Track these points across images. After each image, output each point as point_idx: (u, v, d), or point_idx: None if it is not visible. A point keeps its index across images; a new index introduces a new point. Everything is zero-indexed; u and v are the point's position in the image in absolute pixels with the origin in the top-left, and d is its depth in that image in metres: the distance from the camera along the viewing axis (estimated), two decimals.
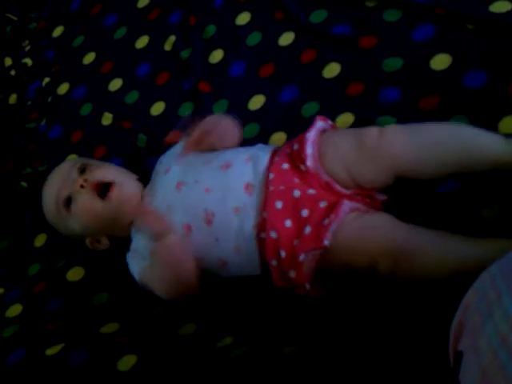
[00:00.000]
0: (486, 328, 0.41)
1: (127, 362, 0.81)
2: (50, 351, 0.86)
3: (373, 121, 0.90)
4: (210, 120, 0.93)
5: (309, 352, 0.75)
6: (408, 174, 0.79)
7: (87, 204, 0.90)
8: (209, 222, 0.82)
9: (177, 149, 0.96)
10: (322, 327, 0.78)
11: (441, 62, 0.91)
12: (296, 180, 0.81)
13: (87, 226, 0.92)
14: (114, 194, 0.90)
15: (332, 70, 1.00)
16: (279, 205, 0.79)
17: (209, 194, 0.83)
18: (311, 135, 0.82)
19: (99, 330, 0.87)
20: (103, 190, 0.90)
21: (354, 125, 0.93)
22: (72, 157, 1.16)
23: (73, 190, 0.91)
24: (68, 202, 0.92)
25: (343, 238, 0.75)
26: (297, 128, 0.89)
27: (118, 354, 0.82)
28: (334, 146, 0.81)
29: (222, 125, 0.92)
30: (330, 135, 0.84)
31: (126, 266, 0.91)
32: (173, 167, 0.91)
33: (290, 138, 0.96)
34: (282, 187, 0.80)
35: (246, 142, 0.97)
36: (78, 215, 0.91)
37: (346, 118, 0.94)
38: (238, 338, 0.81)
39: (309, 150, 0.81)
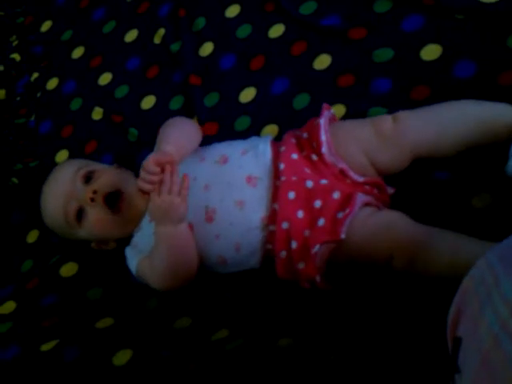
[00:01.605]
0: (485, 313, 0.41)
1: (123, 357, 0.81)
2: (44, 347, 0.86)
3: (364, 112, 0.91)
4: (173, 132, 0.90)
5: (305, 344, 0.75)
6: (427, 154, 0.81)
7: (100, 218, 0.89)
8: (210, 219, 0.82)
9: None
10: (318, 319, 0.78)
11: (431, 52, 0.92)
12: (307, 170, 0.81)
13: (98, 236, 0.92)
14: (125, 205, 0.88)
15: (323, 61, 1.00)
16: (292, 195, 0.79)
17: (208, 191, 0.83)
18: (323, 122, 0.82)
19: (94, 325, 0.87)
20: (113, 199, 0.88)
21: (346, 116, 0.93)
22: (63, 153, 1.15)
23: (83, 203, 0.89)
24: (79, 214, 0.90)
25: (358, 232, 0.76)
26: (288, 120, 0.89)
27: (114, 349, 0.82)
28: (349, 133, 0.82)
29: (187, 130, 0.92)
30: (341, 124, 0.86)
31: (119, 260, 0.91)
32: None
33: (281, 130, 0.96)
34: (294, 178, 0.80)
35: (238, 135, 0.97)
36: (91, 228, 0.90)
37: (338, 110, 0.94)
38: (233, 330, 0.81)
39: (323, 137, 0.81)
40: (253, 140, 0.89)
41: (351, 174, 0.80)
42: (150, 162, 0.81)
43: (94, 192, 0.88)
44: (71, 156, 1.14)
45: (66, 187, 0.91)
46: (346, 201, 0.77)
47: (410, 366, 0.68)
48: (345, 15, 1.02)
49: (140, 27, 1.22)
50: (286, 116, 0.97)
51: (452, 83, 0.88)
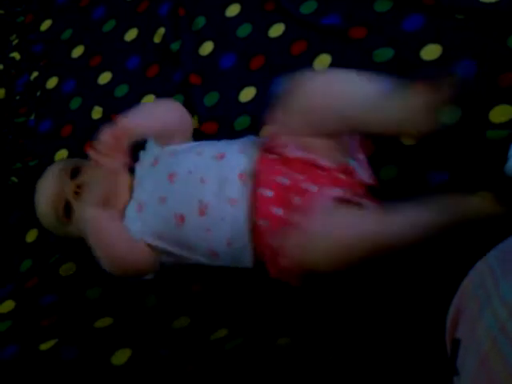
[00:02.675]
0: (484, 315, 0.41)
1: (121, 356, 0.81)
2: (43, 346, 0.86)
3: None
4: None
5: (303, 343, 0.75)
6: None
7: None
8: (202, 212, 0.82)
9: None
10: (316, 318, 0.78)
11: (431, 52, 0.91)
12: (283, 168, 0.81)
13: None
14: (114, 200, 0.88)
15: (323, 61, 1.00)
16: (269, 194, 0.79)
17: (204, 185, 0.83)
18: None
19: (93, 325, 0.87)
20: None
21: None
22: (63, 152, 1.15)
23: (69, 198, 0.90)
24: (67, 209, 0.91)
25: (323, 230, 0.75)
26: None
27: (112, 348, 0.82)
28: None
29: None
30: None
31: None
32: (161, 159, 0.90)
33: None
34: (271, 176, 0.80)
35: (237, 134, 0.96)
36: (80, 223, 0.90)
37: None
38: (232, 330, 0.81)
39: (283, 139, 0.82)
40: (248, 139, 0.89)
41: (321, 162, 0.80)
42: (105, 133, 0.83)
43: (78, 187, 0.89)
44: (71, 155, 1.14)
45: (54, 184, 0.92)
46: (317, 196, 0.78)
47: (409, 368, 0.68)
48: (345, 15, 1.02)
49: (140, 26, 1.22)
50: None
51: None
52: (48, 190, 0.93)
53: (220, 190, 0.82)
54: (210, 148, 0.88)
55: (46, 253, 1.03)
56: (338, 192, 0.78)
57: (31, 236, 1.07)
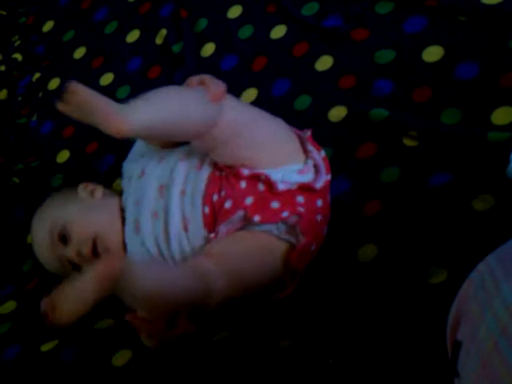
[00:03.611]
0: (485, 317, 0.41)
1: (122, 357, 0.81)
2: (44, 347, 0.86)
3: (366, 113, 0.91)
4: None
5: (304, 347, 0.75)
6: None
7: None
8: (186, 228, 0.82)
9: (139, 148, 0.95)
10: (317, 321, 0.78)
11: (433, 53, 0.91)
12: (221, 184, 0.81)
13: None
14: (101, 249, 0.86)
15: (324, 62, 1.00)
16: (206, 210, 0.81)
17: (184, 198, 0.82)
18: None
19: (93, 326, 0.87)
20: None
21: (347, 117, 0.93)
22: (64, 153, 1.15)
23: (74, 261, 0.87)
24: (75, 267, 0.87)
25: None
26: (289, 121, 0.89)
27: (113, 350, 0.82)
28: None
29: None
30: None
31: None
32: (147, 169, 0.88)
33: None
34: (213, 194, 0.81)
35: None
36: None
37: (339, 111, 0.94)
38: (233, 331, 0.81)
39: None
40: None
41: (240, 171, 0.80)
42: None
43: (78, 254, 0.86)
44: (72, 156, 1.14)
45: (51, 253, 0.90)
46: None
47: (410, 369, 0.68)
48: (347, 16, 1.02)
49: (142, 28, 1.22)
50: (288, 117, 0.97)
51: (454, 85, 0.88)
52: (48, 256, 0.90)
53: (194, 203, 0.81)
54: (191, 154, 0.86)
55: None
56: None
57: None
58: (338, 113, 0.93)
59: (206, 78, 0.82)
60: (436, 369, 0.63)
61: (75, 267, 0.87)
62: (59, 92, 0.69)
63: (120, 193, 0.93)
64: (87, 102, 0.69)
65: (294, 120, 0.93)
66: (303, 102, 0.98)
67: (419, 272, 0.76)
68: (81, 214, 0.90)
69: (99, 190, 0.93)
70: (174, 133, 0.79)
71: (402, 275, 0.77)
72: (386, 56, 0.95)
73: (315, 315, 0.79)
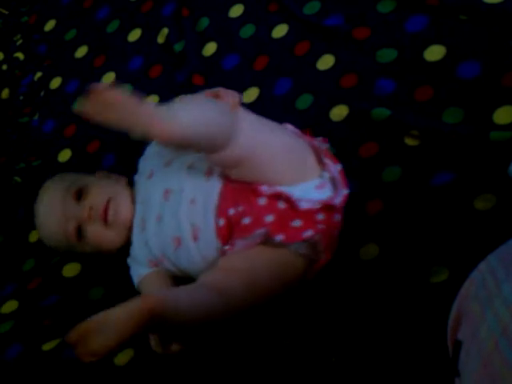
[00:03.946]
0: (486, 317, 0.41)
1: (124, 356, 0.81)
2: (46, 346, 0.86)
3: (368, 112, 0.90)
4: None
5: (305, 346, 0.75)
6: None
7: (101, 235, 0.87)
8: (195, 237, 0.80)
9: (153, 145, 0.95)
10: (319, 320, 0.78)
11: (435, 53, 0.91)
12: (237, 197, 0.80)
13: (101, 250, 0.90)
14: (111, 213, 0.87)
15: (326, 61, 1.00)
16: (221, 222, 0.79)
17: (194, 207, 0.81)
18: None
19: None
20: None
21: (349, 116, 0.93)
22: (66, 152, 1.15)
23: (80, 221, 0.87)
24: (78, 232, 0.88)
25: None
26: (291, 120, 0.89)
27: None
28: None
29: None
30: None
31: (122, 260, 0.91)
32: (156, 171, 0.88)
33: None
34: (229, 208, 0.79)
35: None
36: (93, 245, 0.88)
37: (341, 110, 0.93)
38: (234, 332, 0.80)
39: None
40: None
41: (259, 188, 0.78)
42: None
43: (90, 208, 0.86)
44: (74, 155, 1.14)
45: (59, 208, 0.89)
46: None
47: (411, 369, 0.68)
48: (348, 15, 1.02)
49: (143, 27, 1.22)
50: (289, 116, 0.97)
51: (456, 84, 0.88)
52: (54, 214, 0.89)
53: (207, 212, 0.80)
54: (200, 160, 0.84)
55: (48, 253, 1.03)
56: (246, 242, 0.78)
57: (34, 236, 1.07)
58: (339, 112, 0.93)
59: (221, 90, 0.82)
60: (437, 368, 0.63)
61: (79, 235, 0.88)
62: (85, 92, 0.65)
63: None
64: (124, 103, 0.65)
65: (296, 119, 0.94)
66: (305, 101, 0.98)
67: (420, 271, 0.76)
68: (100, 182, 0.92)
69: (114, 175, 0.95)
70: (202, 143, 0.74)
71: (404, 274, 0.77)
72: (387, 55, 0.95)
73: (317, 314, 0.79)
